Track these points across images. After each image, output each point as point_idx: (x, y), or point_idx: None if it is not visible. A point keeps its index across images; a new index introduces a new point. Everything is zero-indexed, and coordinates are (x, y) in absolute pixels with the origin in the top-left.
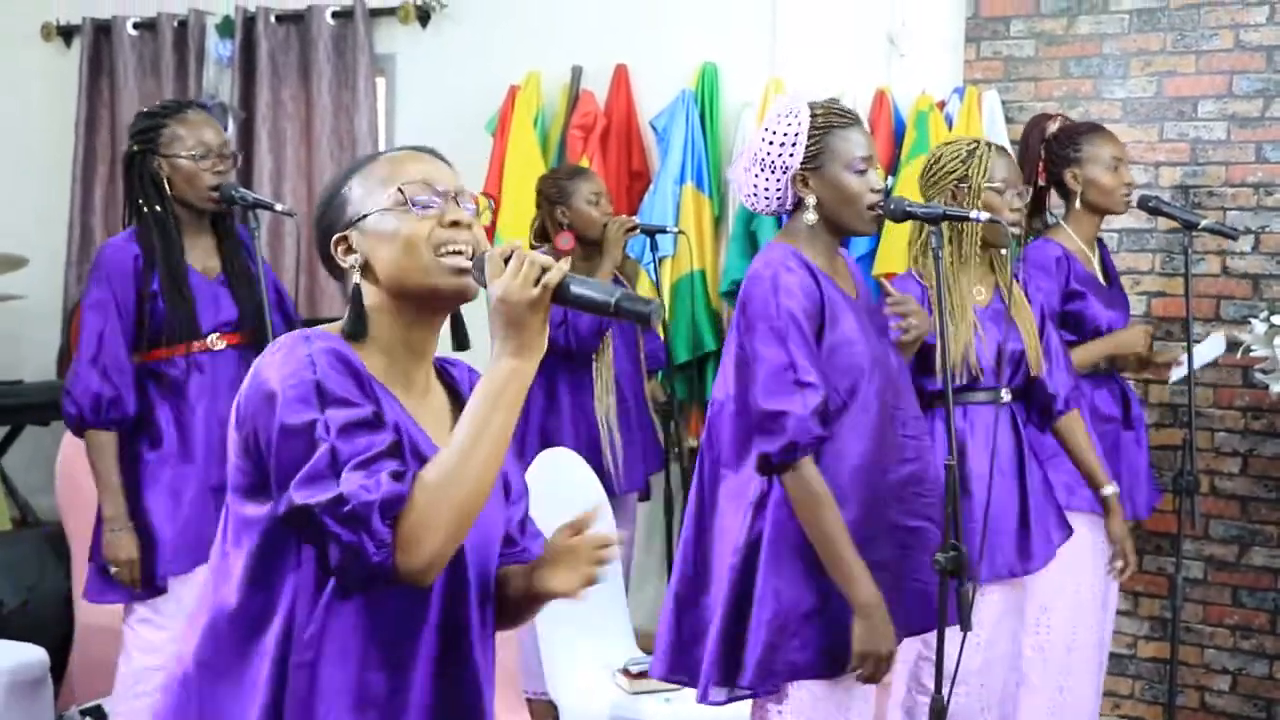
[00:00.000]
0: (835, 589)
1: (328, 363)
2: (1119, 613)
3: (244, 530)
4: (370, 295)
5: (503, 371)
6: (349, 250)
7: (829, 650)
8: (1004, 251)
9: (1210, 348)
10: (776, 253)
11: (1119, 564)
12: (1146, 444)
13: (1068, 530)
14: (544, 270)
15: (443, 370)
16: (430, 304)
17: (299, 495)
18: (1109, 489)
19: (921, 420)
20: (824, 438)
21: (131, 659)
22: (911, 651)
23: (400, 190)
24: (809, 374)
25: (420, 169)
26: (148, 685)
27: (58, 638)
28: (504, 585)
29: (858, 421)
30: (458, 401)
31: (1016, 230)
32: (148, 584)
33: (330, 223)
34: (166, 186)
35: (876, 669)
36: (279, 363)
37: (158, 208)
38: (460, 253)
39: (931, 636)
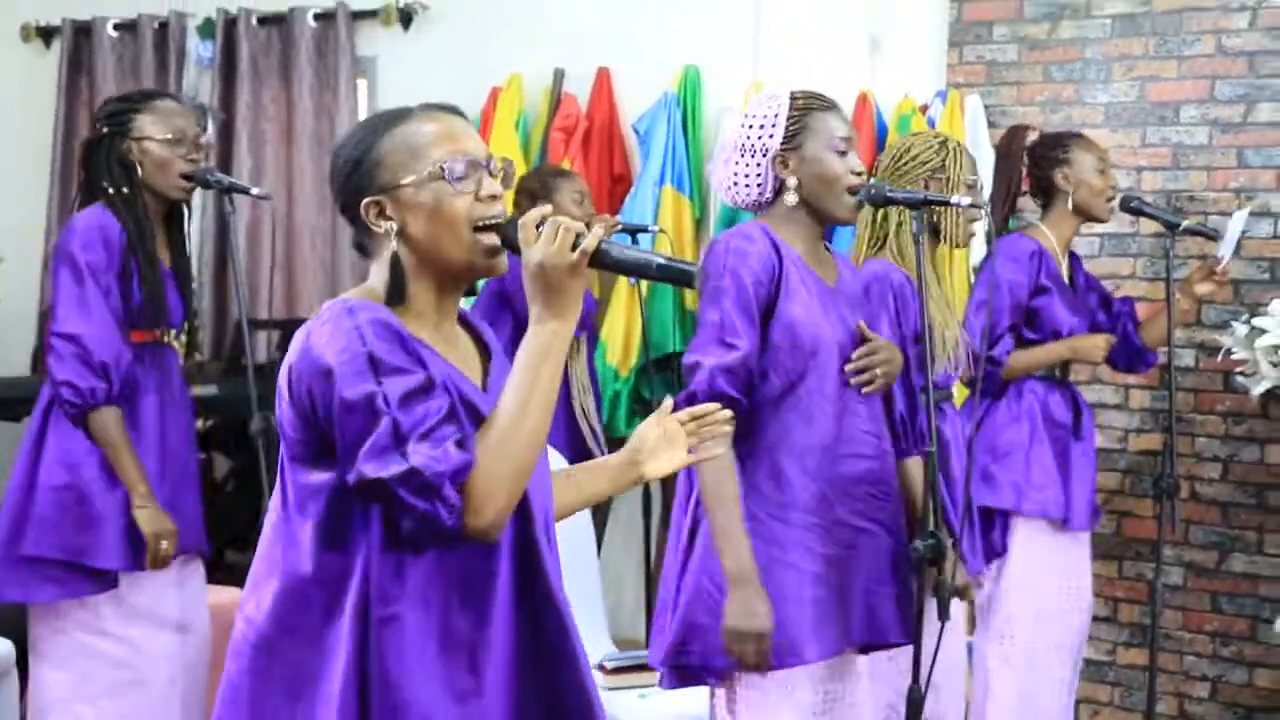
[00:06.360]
0: (770, 584)
1: (375, 333)
2: (1098, 619)
3: (309, 498)
4: (405, 260)
5: (545, 333)
6: (381, 215)
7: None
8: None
9: (1237, 223)
10: (742, 226)
11: None
12: (1094, 455)
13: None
14: (579, 235)
15: (461, 316)
16: (462, 275)
17: (370, 469)
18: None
19: (882, 419)
20: (733, 399)
21: (84, 668)
22: (886, 663)
23: (440, 167)
24: (736, 336)
25: (454, 138)
26: (100, 687)
27: (23, 630)
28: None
29: (807, 407)
30: (480, 344)
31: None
32: (98, 577)
33: (360, 185)
34: (138, 170)
35: (755, 651)
36: (328, 336)
37: (124, 189)
38: (495, 228)
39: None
